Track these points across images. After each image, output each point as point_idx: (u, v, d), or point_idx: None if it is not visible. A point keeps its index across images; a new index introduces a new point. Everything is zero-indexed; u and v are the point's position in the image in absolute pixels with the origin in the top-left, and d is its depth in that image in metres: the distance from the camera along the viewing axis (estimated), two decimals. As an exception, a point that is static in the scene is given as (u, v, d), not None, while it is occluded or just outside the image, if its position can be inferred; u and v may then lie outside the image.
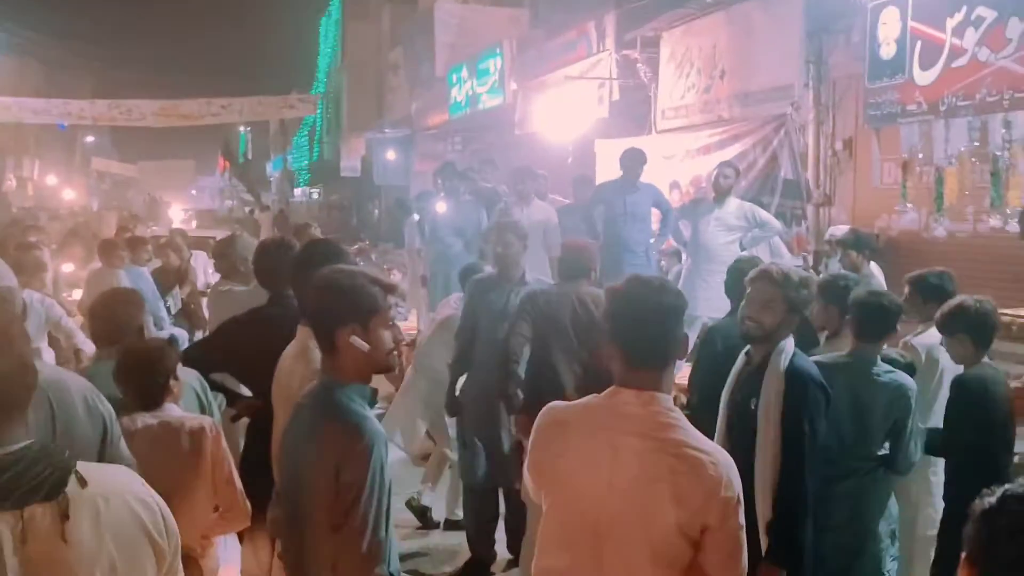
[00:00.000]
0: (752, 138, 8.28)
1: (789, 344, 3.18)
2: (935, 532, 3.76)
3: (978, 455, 3.55)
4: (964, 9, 5.87)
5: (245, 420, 3.79)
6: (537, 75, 12.26)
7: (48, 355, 5.62)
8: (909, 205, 6.84)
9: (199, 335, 6.68)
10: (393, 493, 2.37)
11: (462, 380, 5.01)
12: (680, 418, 2.17)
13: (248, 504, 3.11)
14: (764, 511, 3.04)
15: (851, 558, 3.44)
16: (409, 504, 5.58)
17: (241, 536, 3.47)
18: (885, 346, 3.74)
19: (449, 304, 5.80)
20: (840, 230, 6.43)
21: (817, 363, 3.33)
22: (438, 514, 5.66)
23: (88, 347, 5.07)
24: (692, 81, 9.44)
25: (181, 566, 1.66)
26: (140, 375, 3.08)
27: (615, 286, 2.31)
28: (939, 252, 6.65)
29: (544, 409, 2.33)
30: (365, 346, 2.33)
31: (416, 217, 9.66)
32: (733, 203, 7.01)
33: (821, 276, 4.63)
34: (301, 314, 3.00)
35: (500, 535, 5.08)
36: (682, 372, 6.57)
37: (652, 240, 7.72)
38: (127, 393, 3.05)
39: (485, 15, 15.72)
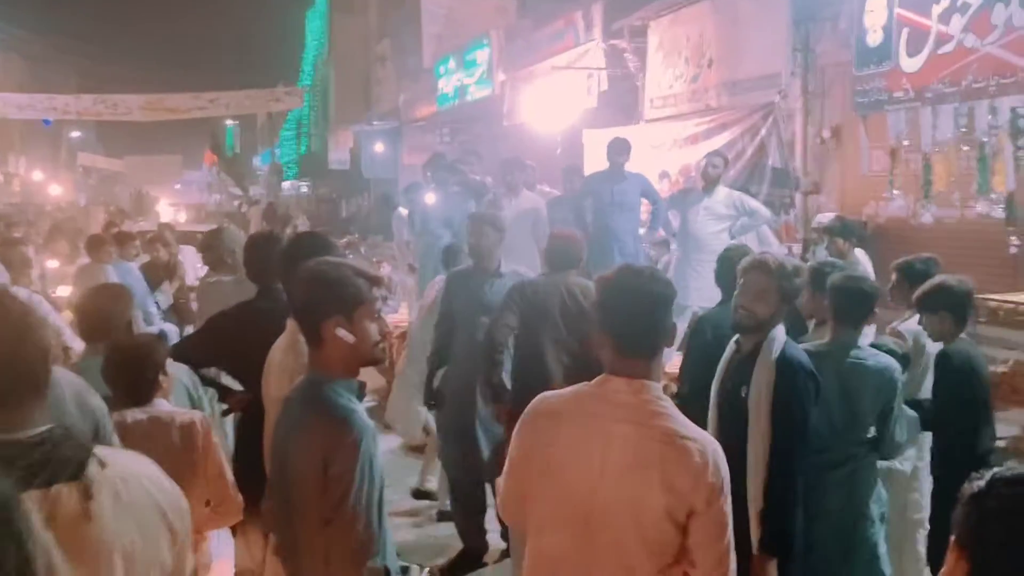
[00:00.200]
0: (740, 127, 8.30)
1: (780, 333, 3.18)
2: (920, 515, 3.80)
3: (964, 425, 3.63)
4: (950, -5, 5.89)
5: (235, 414, 3.79)
6: (525, 65, 12.24)
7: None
8: (897, 192, 6.86)
9: (188, 330, 6.64)
10: (386, 485, 2.37)
11: (442, 372, 5.04)
12: (669, 406, 2.20)
13: (240, 498, 3.11)
14: (755, 499, 3.04)
15: (847, 543, 3.46)
16: (416, 494, 5.73)
17: (234, 530, 3.47)
18: (879, 334, 3.77)
19: (434, 287, 5.82)
20: (827, 217, 6.45)
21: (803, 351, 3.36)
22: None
23: (76, 344, 5.03)
24: (680, 70, 9.45)
25: (191, 548, 1.70)
26: (129, 371, 3.06)
27: (606, 275, 2.33)
28: (927, 238, 6.68)
29: (535, 399, 2.34)
30: (351, 338, 2.32)
31: (403, 210, 9.65)
32: (722, 192, 7.02)
33: (809, 264, 4.64)
34: (290, 307, 3.00)
35: (495, 525, 5.10)
36: (673, 362, 6.61)
37: (642, 231, 7.73)
38: (116, 389, 3.04)
39: (472, 5, 15.67)
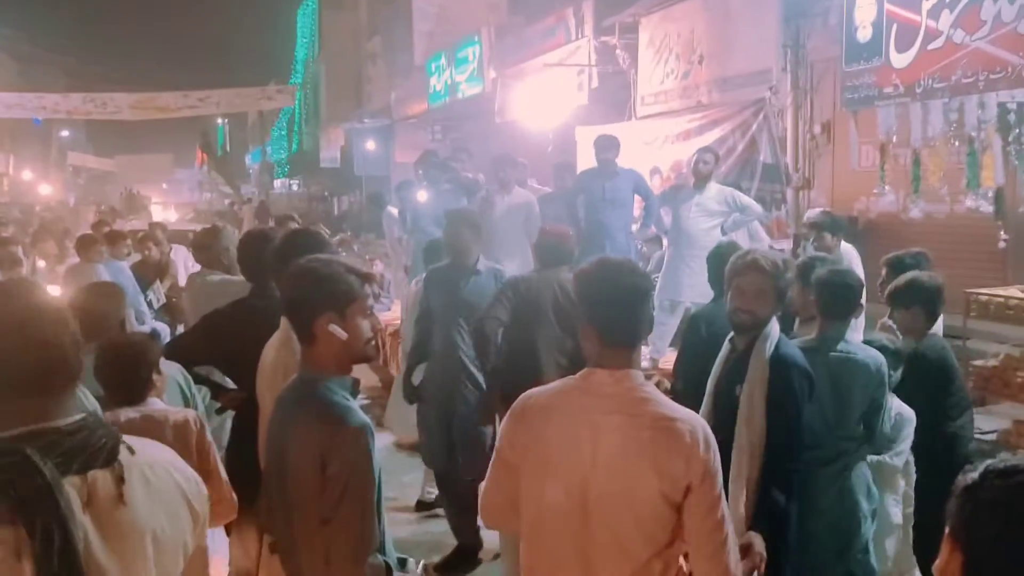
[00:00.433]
0: (731, 123, 8.31)
1: (774, 330, 3.19)
2: (911, 509, 3.82)
3: (943, 422, 3.73)
4: (939, -9, 5.91)
5: (230, 412, 3.78)
6: (516, 63, 12.23)
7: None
8: (887, 187, 6.89)
9: (180, 329, 6.63)
10: (383, 482, 2.37)
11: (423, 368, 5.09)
12: (653, 391, 2.28)
13: (235, 496, 3.11)
14: (737, 495, 3.01)
15: (842, 540, 3.46)
16: (418, 506, 5.79)
17: (228, 528, 3.47)
18: (870, 330, 3.79)
19: (417, 284, 5.86)
20: (816, 213, 6.47)
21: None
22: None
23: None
24: (671, 67, 9.46)
25: (206, 532, 1.77)
26: (123, 370, 3.06)
27: (585, 269, 2.39)
28: (917, 233, 6.70)
29: (520, 397, 2.37)
30: (344, 334, 2.32)
31: (393, 209, 9.65)
32: (713, 188, 7.04)
33: (798, 259, 4.66)
34: (282, 305, 3.00)
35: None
36: (666, 358, 6.63)
37: (635, 227, 7.74)
38: (109, 388, 3.03)
39: (463, 3, 15.65)
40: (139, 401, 3.07)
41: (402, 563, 2.46)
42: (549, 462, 2.24)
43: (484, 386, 4.81)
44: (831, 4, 7.61)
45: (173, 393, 3.47)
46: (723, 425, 3.12)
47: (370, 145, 21.57)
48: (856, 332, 6.23)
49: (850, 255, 6.29)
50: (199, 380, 3.76)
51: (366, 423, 2.30)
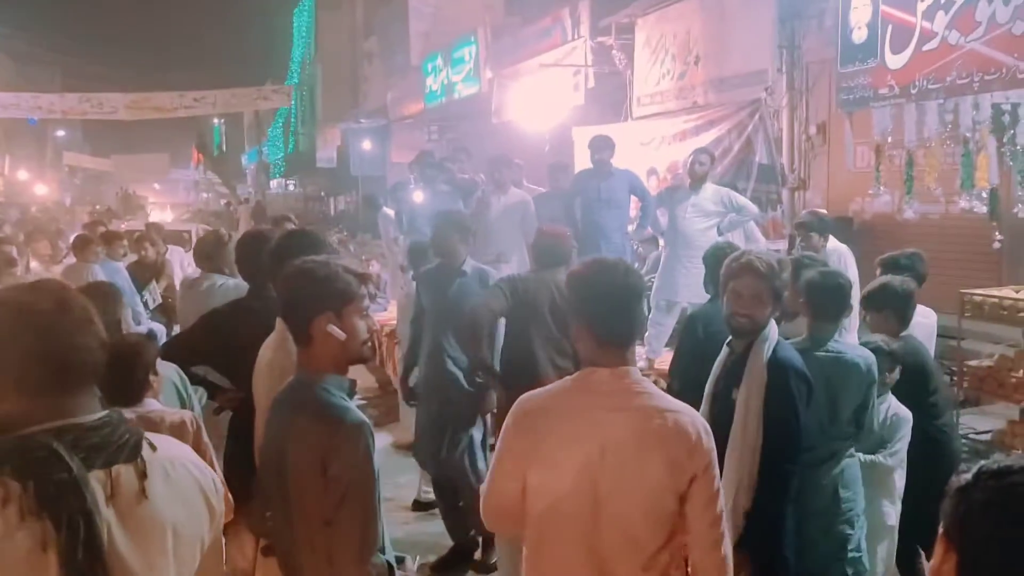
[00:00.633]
0: (727, 123, 8.32)
1: (773, 332, 3.14)
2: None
3: (921, 420, 3.75)
4: (934, -8, 5.93)
5: (227, 414, 3.78)
6: (512, 63, 12.24)
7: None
8: (882, 188, 6.90)
9: (176, 329, 6.63)
10: (380, 482, 2.37)
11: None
12: (649, 385, 2.33)
13: (231, 497, 3.11)
14: (730, 498, 2.94)
15: (838, 540, 3.46)
16: (415, 506, 5.78)
17: (225, 529, 3.47)
18: (866, 331, 3.82)
19: (410, 285, 5.90)
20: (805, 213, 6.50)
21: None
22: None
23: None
24: (667, 67, 9.47)
25: (222, 527, 1.81)
26: (119, 371, 3.05)
27: (578, 270, 2.42)
28: (912, 234, 6.72)
29: (518, 400, 2.38)
30: (342, 335, 2.32)
31: (388, 210, 9.66)
32: (709, 189, 7.05)
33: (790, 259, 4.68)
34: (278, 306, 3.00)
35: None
36: (662, 358, 6.64)
37: (631, 228, 7.74)
38: (106, 389, 3.02)
39: (459, 3, 15.64)
40: (136, 402, 3.07)
41: (399, 561, 2.46)
42: (556, 463, 2.26)
43: (467, 385, 4.83)
44: (826, 5, 7.63)
45: (169, 394, 3.47)
46: (720, 429, 3.09)
47: (366, 145, 21.57)
48: (851, 333, 6.26)
49: (844, 255, 6.30)
50: (196, 380, 3.76)
51: (365, 422, 2.30)
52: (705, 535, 2.26)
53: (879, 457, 3.73)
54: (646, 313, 2.46)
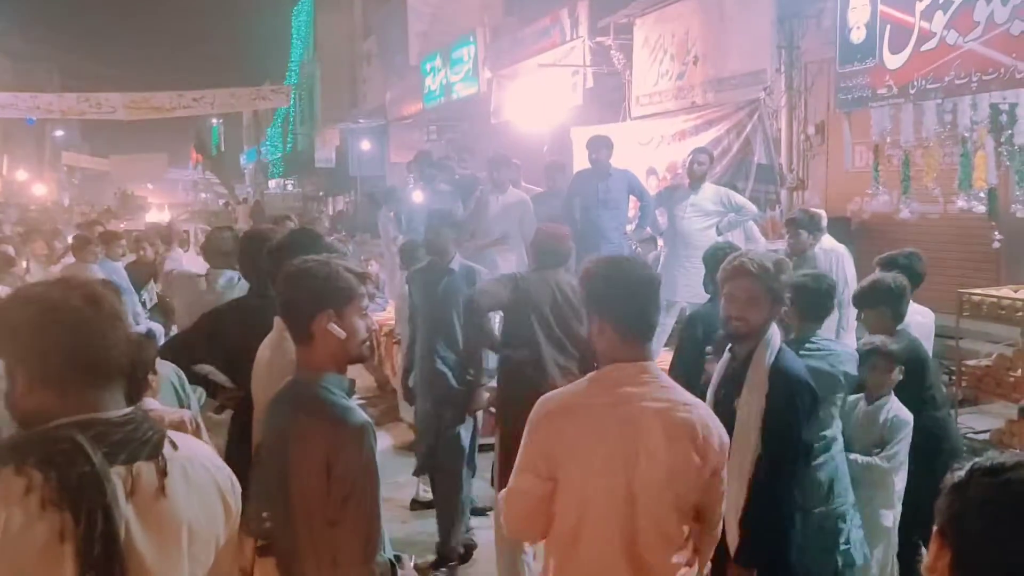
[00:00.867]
0: (726, 123, 8.33)
1: (775, 338, 3.03)
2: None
3: (919, 414, 3.75)
4: (932, -8, 5.94)
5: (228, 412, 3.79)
6: (511, 63, 12.25)
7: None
8: (880, 188, 6.91)
9: (174, 329, 6.63)
10: (381, 480, 2.36)
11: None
12: (671, 380, 2.39)
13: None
14: (732, 508, 2.84)
15: (833, 536, 3.46)
16: (413, 505, 5.79)
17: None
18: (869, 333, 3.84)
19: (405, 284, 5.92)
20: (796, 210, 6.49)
21: None
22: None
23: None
24: (666, 67, 9.48)
25: (238, 527, 1.83)
26: (118, 370, 3.05)
27: (594, 268, 2.42)
28: (910, 234, 6.73)
29: (540, 401, 2.39)
30: (342, 333, 2.31)
31: (390, 212, 9.67)
32: (708, 188, 7.05)
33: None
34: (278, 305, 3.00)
35: (489, 519, 5.12)
36: (661, 358, 6.64)
37: (630, 228, 7.74)
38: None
39: (458, 3, 15.64)
40: (135, 401, 3.06)
41: (396, 560, 2.46)
42: (589, 460, 2.26)
43: (457, 384, 4.83)
44: (825, 5, 7.63)
45: (167, 393, 3.48)
46: None
47: (365, 145, 21.57)
48: (849, 333, 6.27)
49: (842, 255, 6.30)
50: (197, 379, 3.77)
51: (368, 422, 2.30)
52: (716, 522, 2.38)
53: (875, 459, 3.73)
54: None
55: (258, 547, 2.51)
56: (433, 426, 4.96)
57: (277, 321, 2.97)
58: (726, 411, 3.09)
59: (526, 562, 4.41)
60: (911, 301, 4.22)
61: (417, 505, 5.82)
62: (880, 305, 4.05)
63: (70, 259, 8.03)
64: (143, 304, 7.39)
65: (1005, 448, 5.09)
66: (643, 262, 2.50)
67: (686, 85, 9.09)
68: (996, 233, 6.29)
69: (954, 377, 5.74)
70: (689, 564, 2.34)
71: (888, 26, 6.33)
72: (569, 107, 10.63)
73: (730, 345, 3.16)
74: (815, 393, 3.05)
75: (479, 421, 5.05)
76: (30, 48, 40.97)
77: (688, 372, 3.88)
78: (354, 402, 2.38)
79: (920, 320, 4.40)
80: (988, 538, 1.25)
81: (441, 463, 4.96)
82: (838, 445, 3.52)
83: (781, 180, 8.27)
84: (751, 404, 2.94)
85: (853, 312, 6.21)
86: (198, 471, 1.71)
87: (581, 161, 8.64)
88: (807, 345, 3.52)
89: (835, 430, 3.50)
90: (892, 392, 3.82)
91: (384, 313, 8.75)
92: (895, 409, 3.78)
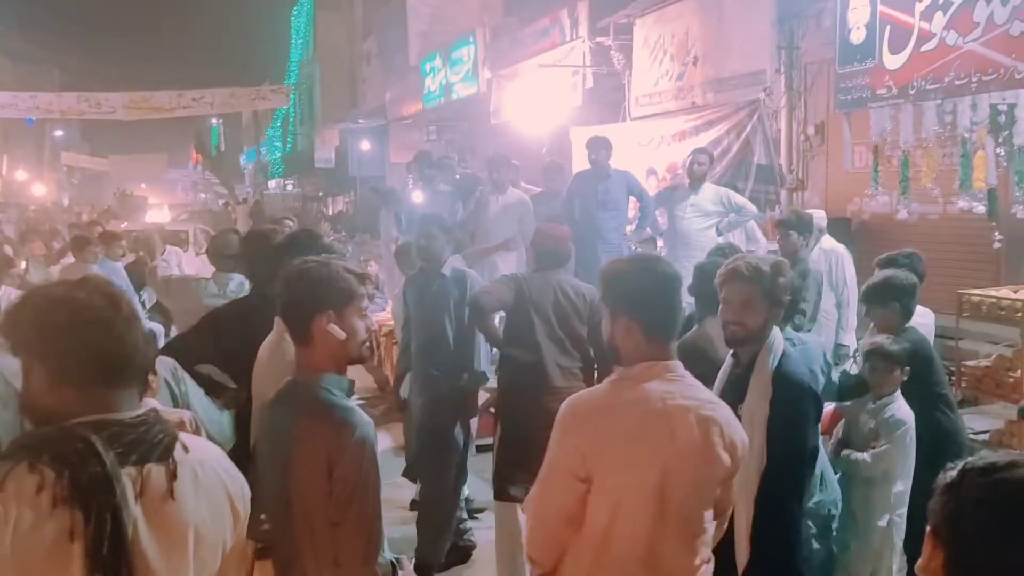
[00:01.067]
0: (726, 124, 8.33)
1: (778, 342, 2.97)
2: (902, 510, 3.84)
3: (927, 412, 3.76)
4: (932, -7, 5.93)
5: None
6: (510, 63, 12.25)
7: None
8: (880, 189, 6.90)
9: (174, 330, 6.63)
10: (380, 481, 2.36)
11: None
12: (695, 379, 2.39)
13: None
14: (740, 518, 2.81)
15: (827, 523, 3.45)
16: (412, 505, 5.73)
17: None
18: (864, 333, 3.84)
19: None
20: (813, 214, 6.46)
21: None
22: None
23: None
24: (666, 68, 9.48)
25: (246, 531, 1.84)
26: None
27: (620, 267, 2.44)
28: (910, 234, 6.72)
29: (568, 403, 2.38)
30: (342, 334, 2.31)
31: (391, 212, 9.67)
32: (708, 189, 7.05)
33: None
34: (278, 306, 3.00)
35: (484, 522, 5.12)
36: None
37: (630, 229, 7.74)
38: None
39: (458, 3, 15.64)
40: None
41: (396, 561, 2.45)
42: (623, 459, 2.26)
43: (450, 388, 4.82)
44: (825, 6, 7.63)
45: (162, 392, 3.47)
46: None
47: (365, 145, 21.57)
48: (848, 333, 6.27)
49: (842, 256, 6.30)
50: (199, 380, 3.76)
51: (370, 423, 2.29)
52: (726, 516, 2.44)
53: (861, 455, 3.75)
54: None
55: (256, 549, 2.51)
56: (425, 430, 4.92)
57: (277, 321, 2.97)
58: None
59: (525, 562, 4.39)
60: (911, 302, 4.22)
61: (417, 505, 5.82)
62: (892, 301, 4.04)
63: (70, 259, 8.03)
64: (142, 304, 7.38)
65: (1005, 448, 5.09)
66: (667, 261, 2.48)
67: (686, 85, 9.09)
68: (996, 234, 6.29)
69: (954, 378, 5.74)
70: (707, 561, 2.36)
71: (888, 27, 6.33)
72: (569, 107, 10.63)
73: (732, 351, 3.12)
74: (819, 398, 3.02)
75: (472, 426, 5.02)
76: (30, 48, 40.98)
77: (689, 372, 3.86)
78: (354, 403, 2.38)
79: (920, 321, 4.39)
80: (981, 538, 1.25)
81: (430, 468, 4.90)
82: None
83: (781, 180, 8.27)
84: (755, 410, 2.87)
85: (853, 312, 6.24)
86: (208, 475, 1.72)
87: (581, 162, 8.64)
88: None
89: None
90: (898, 392, 3.80)
91: (384, 313, 8.75)
92: (894, 409, 3.78)
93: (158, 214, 27.11)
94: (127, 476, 1.57)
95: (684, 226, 6.96)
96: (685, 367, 2.40)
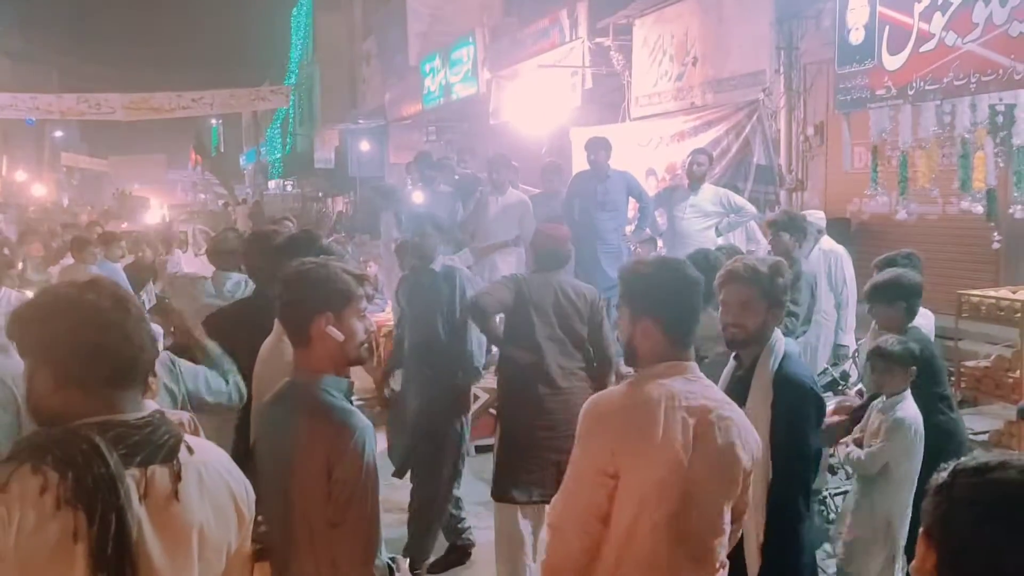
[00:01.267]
0: (725, 124, 8.33)
1: (779, 344, 2.94)
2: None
3: (931, 412, 3.76)
4: (931, -7, 5.93)
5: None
6: (510, 64, 12.25)
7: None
8: (879, 189, 6.91)
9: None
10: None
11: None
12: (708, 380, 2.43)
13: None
14: (753, 530, 2.79)
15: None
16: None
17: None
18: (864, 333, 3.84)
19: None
20: (812, 215, 6.47)
21: None
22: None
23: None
24: (665, 68, 9.48)
25: (251, 533, 1.84)
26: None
27: (644, 268, 2.46)
28: (909, 235, 6.73)
29: (591, 403, 2.40)
30: (340, 336, 2.31)
31: (392, 213, 9.67)
32: (708, 189, 7.06)
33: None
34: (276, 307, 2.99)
35: (483, 522, 5.11)
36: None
37: (630, 229, 7.74)
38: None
39: (457, 3, 15.64)
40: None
41: (392, 562, 2.45)
42: (648, 458, 2.26)
43: (444, 387, 4.81)
44: (824, 6, 7.63)
45: (161, 394, 3.47)
46: None
47: (364, 146, 21.56)
48: (847, 334, 6.27)
49: (841, 256, 6.30)
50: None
51: (368, 425, 2.29)
52: (742, 521, 2.46)
53: (858, 452, 3.75)
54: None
55: (255, 550, 2.51)
56: (421, 429, 4.90)
57: (277, 322, 2.97)
58: None
59: (526, 563, 4.40)
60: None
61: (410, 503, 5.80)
62: (898, 300, 4.06)
63: (68, 260, 8.03)
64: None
65: (1004, 449, 5.09)
66: (688, 263, 2.50)
67: (685, 86, 9.09)
68: (995, 234, 6.29)
69: (953, 378, 5.74)
70: (724, 566, 2.38)
71: (887, 27, 6.33)
72: (568, 108, 10.63)
73: (734, 352, 3.09)
74: (821, 400, 2.99)
75: (467, 425, 5.00)
76: (29, 49, 40.94)
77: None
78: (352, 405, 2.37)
79: (919, 322, 4.39)
80: (973, 539, 1.26)
81: (424, 467, 4.88)
82: None
83: (780, 181, 8.27)
84: (757, 413, 2.82)
85: (852, 313, 6.24)
86: (213, 477, 1.72)
87: (580, 162, 8.65)
88: None
89: None
90: (907, 391, 3.77)
91: (383, 314, 8.74)
92: (901, 410, 3.73)
93: (158, 214, 27.12)
94: (131, 477, 1.58)
95: (683, 227, 6.96)
96: None
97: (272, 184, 40.76)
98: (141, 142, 60.64)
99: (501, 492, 4.41)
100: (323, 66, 28.46)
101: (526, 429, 4.31)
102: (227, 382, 3.31)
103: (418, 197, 8.53)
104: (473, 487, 5.47)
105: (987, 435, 5.62)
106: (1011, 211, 6.02)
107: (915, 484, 3.72)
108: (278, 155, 37.19)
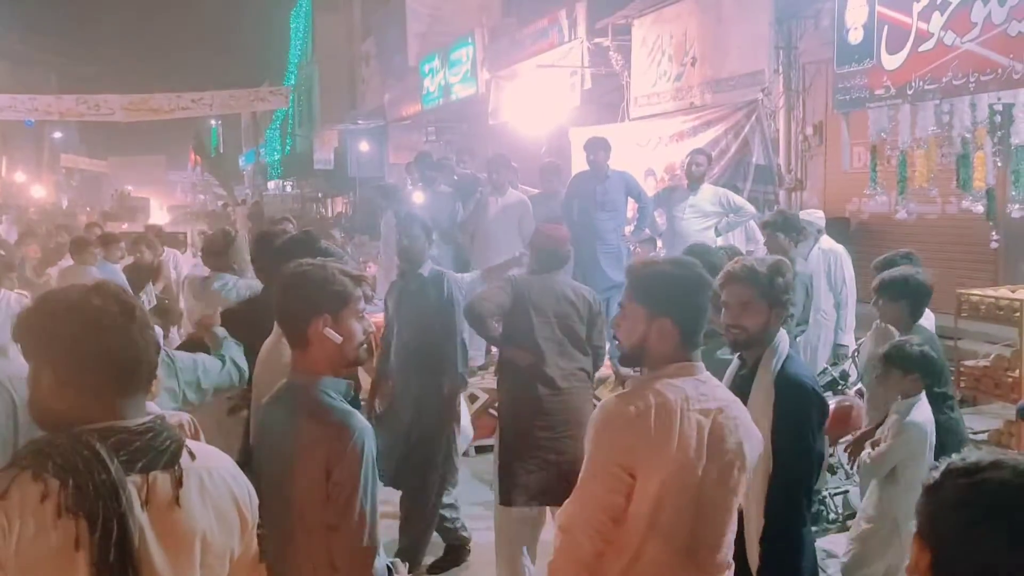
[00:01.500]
0: (724, 124, 8.33)
1: (782, 345, 2.93)
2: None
3: (934, 408, 3.74)
4: (929, -7, 5.94)
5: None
6: (509, 64, 12.25)
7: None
8: (878, 189, 6.91)
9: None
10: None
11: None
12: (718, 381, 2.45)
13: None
14: (754, 531, 2.81)
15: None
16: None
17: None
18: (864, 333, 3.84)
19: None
20: (811, 214, 6.47)
21: None
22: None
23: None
24: (664, 68, 9.48)
25: (256, 538, 1.84)
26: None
27: (663, 269, 2.45)
28: (908, 234, 6.74)
29: (601, 408, 2.39)
30: (338, 337, 2.30)
31: (392, 213, 9.67)
32: (707, 189, 7.06)
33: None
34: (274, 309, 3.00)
35: (483, 523, 5.10)
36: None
37: (629, 229, 7.74)
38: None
39: (456, 4, 15.64)
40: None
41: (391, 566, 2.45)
42: (663, 459, 2.25)
43: (433, 392, 4.79)
44: (823, 6, 7.64)
45: (161, 395, 3.47)
46: None
47: (364, 147, 21.56)
48: (847, 334, 6.27)
49: (841, 256, 6.31)
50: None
51: (367, 426, 2.28)
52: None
53: (864, 454, 3.75)
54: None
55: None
56: (411, 436, 4.86)
57: (276, 325, 2.97)
58: None
59: (525, 564, 4.39)
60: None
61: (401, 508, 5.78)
62: (903, 299, 4.07)
63: (68, 261, 8.02)
64: (142, 306, 7.35)
65: (1004, 448, 5.10)
66: (703, 265, 2.50)
67: (684, 86, 9.10)
68: (994, 233, 6.30)
69: (952, 378, 5.74)
70: (730, 566, 2.39)
71: (886, 27, 6.34)
72: (567, 108, 10.63)
73: (738, 353, 3.08)
74: (823, 401, 2.98)
75: (456, 430, 4.96)
76: (28, 50, 40.90)
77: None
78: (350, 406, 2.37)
79: (919, 321, 4.40)
80: (965, 538, 1.26)
81: (414, 473, 4.81)
82: None
83: (779, 181, 8.27)
84: (759, 413, 2.81)
85: (852, 312, 6.24)
86: (216, 483, 1.71)
87: (580, 162, 8.65)
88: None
89: None
90: (922, 394, 3.74)
91: (382, 315, 8.74)
92: (913, 413, 3.71)
93: (157, 214, 27.12)
94: (132, 484, 1.57)
95: (683, 227, 6.97)
96: None
97: (271, 185, 40.74)
98: (140, 143, 60.64)
99: (501, 494, 4.39)
100: (322, 67, 28.47)
101: (526, 430, 4.31)
102: (224, 364, 3.31)
103: (418, 197, 8.53)
104: (473, 487, 5.47)
105: (986, 434, 5.62)
106: (1009, 210, 6.03)
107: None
108: (277, 156, 37.19)
